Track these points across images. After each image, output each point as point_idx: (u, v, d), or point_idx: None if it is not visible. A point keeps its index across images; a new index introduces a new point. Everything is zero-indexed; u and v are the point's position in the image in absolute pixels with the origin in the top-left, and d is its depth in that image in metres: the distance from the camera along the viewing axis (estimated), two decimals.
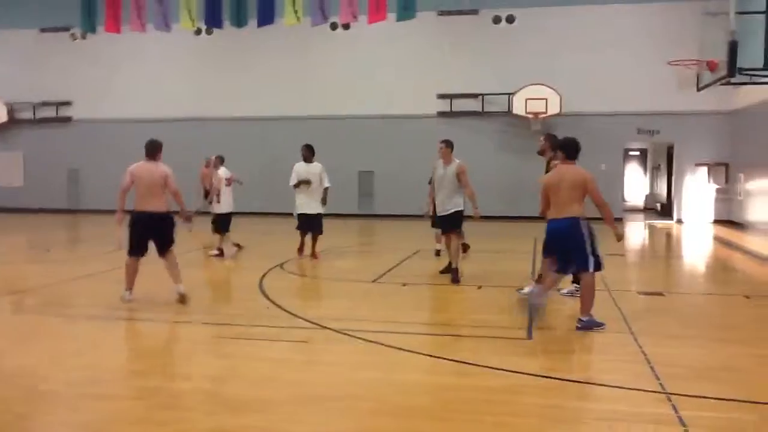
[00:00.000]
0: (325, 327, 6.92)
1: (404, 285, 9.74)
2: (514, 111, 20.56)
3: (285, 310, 7.75)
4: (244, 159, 22.92)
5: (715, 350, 6.52)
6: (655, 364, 5.63)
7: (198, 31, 22.17)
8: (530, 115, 20.33)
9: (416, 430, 4.28)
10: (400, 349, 6.13)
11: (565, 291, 8.68)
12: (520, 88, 20.46)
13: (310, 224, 11.88)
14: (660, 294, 8.97)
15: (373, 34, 20.56)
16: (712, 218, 20.67)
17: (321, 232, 11.95)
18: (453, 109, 21.62)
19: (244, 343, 6.54)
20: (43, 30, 24.55)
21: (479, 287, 9.31)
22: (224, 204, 12.39)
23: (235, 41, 22.42)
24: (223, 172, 12.55)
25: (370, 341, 6.39)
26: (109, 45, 23.26)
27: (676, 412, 4.54)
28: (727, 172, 20.28)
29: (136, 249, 8.06)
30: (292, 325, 7.12)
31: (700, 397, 4.87)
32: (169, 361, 5.91)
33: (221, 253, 12.26)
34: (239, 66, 23.15)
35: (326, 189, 11.82)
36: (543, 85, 20.22)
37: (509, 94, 20.71)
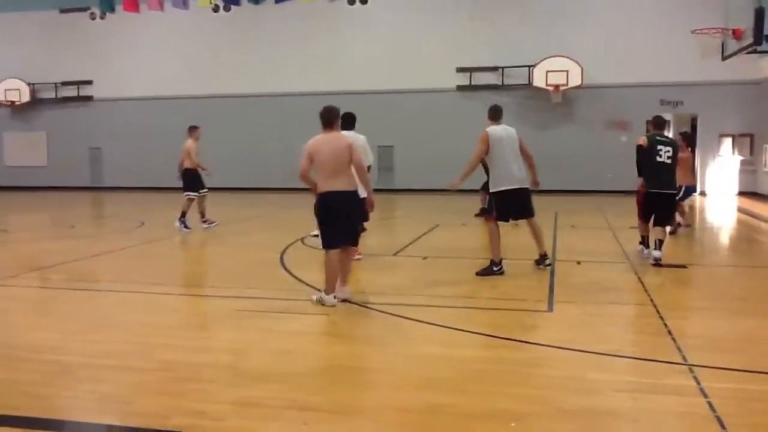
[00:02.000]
0: (346, 300, 6.94)
1: (425, 258, 9.73)
2: (535, 83, 20.33)
3: (306, 284, 7.79)
4: (262, 135, 23.07)
5: (736, 322, 6.45)
6: (677, 336, 5.60)
7: (216, 9, 22.16)
8: (551, 88, 20.10)
9: (438, 403, 4.29)
10: (421, 321, 6.15)
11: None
12: (541, 60, 20.20)
13: None
14: (683, 266, 8.88)
15: (391, 8, 20.44)
16: (737, 190, 20.37)
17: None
18: (472, 83, 21.43)
19: (264, 316, 6.59)
20: (62, 11, 24.67)
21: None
22: None
23: (254, 18, 22.41)
24: None
25: (392, 314, 6.41)
26: (127, 24, 23.40)
27: (698, 383, 4.52)
28: (752, 144, 19.95)
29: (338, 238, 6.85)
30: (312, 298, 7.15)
31: (721, 368, 4.84)
32: (190, 335, 5.98)
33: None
34: (258, 43, 23.11)
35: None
36: (564, 56, 19.95)
37: (529, 66, 20.47)
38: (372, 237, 11.57)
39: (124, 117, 24.30)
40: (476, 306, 6.96)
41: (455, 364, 5.08)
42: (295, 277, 8.19)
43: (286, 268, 8.75)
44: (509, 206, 8.40)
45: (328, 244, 6.80)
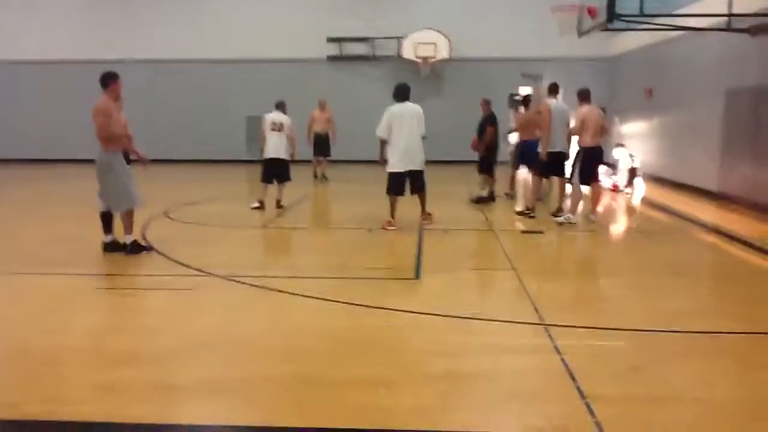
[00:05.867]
0: (211, 273, 6.75)
1: (294, 229, 9.65)
2: (404, 55, 20.52)
3: (169, 258, 7.50)
4: (131, 104, 21.83)
5: (589, 283, 6.89)
6: (534, 299, 5.89)
7: None
8: (419, 60, 20.37)
9: (306, 374, 4.27)
10: (288, 293, 6.09)
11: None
12: (410, 33, 20.39)
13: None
14: (540, 232, 9.33)
15: None
16: None
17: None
18: (343, 53, 21.32)
19: (125, 293, 6.28)
20: None
21: (369, 230, 9.36)
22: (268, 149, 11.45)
23: None
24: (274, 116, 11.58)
25: (257, 286, 6.31)
26: None
27: (553, 341, 4.77)
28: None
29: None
30: (176, 273, 6.90)
31: (574, 326, 5.14)
32: (45, 317, 5.57)
33: (261, 206, 11.24)
34: (117, 7, 21.77)
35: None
36: (432, 29, 20.24)
37: (399, 38, 20.61)
38: (239, 209, 11.32)
39: None
40: (345, 276, 6.96)
41: (322, 334, 5.07)
42: (159, 252, 7.83)
43: (146, 243, 8.33)
44: (550, 165, 10.45)
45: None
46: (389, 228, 9.34)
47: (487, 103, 12.59)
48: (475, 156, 12.65)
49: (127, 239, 7.71)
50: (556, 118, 10.26)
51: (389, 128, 9.36)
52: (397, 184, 9.52)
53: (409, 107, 9.46)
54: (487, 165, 12.35)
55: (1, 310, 5.73)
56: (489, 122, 12.24)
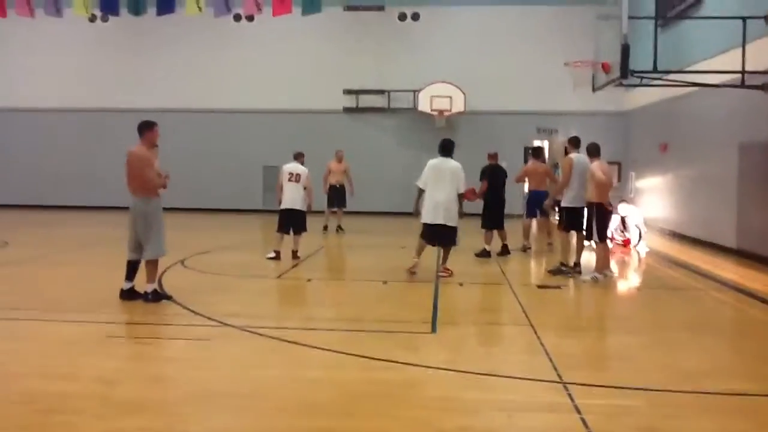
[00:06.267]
0: (226, 324, 6.73)
1: (309, 280, 9.64)
2: (420, 108, 20.77)
3: (185, 307, 7.49)
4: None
5: (606, 340, 6.80)
6: (552, 355, 5.80)
7: (93, 18, 21.22)
8: (435, 113, 20.60)
9: (319, 427, 4.21)
10: (303, 345, 6.04)
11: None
12: (426, 86, 20.68)
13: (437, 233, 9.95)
14: (557, 287, 9.25)
15: (279, 27, 20.31)
16: None
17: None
18: (359, 105, 21.63)
19: (136, 342, 6.26)
20: None
21: (385, 282, 9.33)
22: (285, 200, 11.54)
23: (135, 30, 21.59)
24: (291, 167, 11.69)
25: (273, 338, 6.27)
26: None
27: (572, 400, 4.68)
28: (620, 171, 21.22)
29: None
30: (191, 323, 6.89)
31: (593, 385, 5.04)
32: (55, 363, 5.55)
33: (277, 256, 11.24)
34: (138, 56, 22.28)
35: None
36: (448, 83, 20.52)
37: (415, 91, 20.91)
38: (255, 259, 11.35)
39: None
40: (360, 328, 6.91)
41: (336, 387, 5.01)
42: (176, 302, 7.83)
43: (161, 291, 8.34)
44: (574, 220, 10.25)
45: None
46: (412, 269, 9.72)
47: (491, 156, 12.59)
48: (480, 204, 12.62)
49: (148, 288, 7.73)
50: (578, 171, 10.13)
51: (427, 180, 9.63)
52: (426, 234, 9.78)
53: (448, 163, 9.72)
54: (486, 220, 12.24)
55: (11, 355, 5.72)
56: (484, 175, 12.32)
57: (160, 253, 7.87)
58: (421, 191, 9.73)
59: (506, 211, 12.46)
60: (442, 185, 9.56)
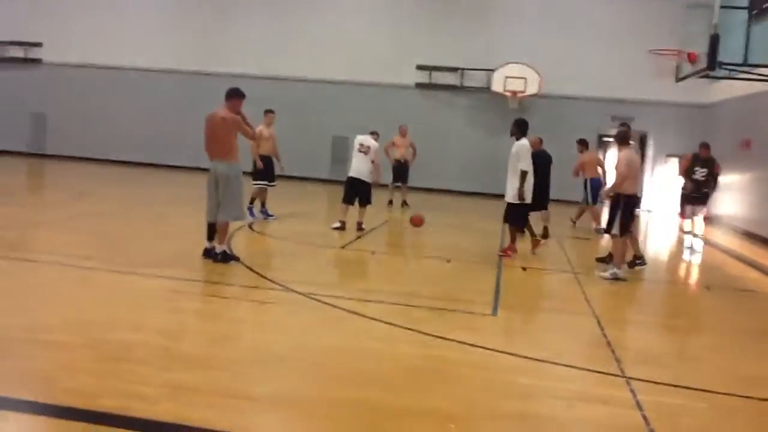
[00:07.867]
0: (290, 289, 6.84)
1: (373, 253, 9.69)
2: (493, 88, 20.47)
3: (252, 270, 7.65)
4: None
5: (671, 338, 6.61)
6: (615, 348, 5.69)
7: None
8: (508, 93, 20.27)
9: (374, 399, 4.25)
10: (364, 316, 6.09)
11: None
12: (501, 66, 20.34)
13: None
14: (623, 279, 9.04)
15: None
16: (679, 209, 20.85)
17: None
18: (432, 81, 21.46)
19: (202, 299, 6.43)
20: None
21: (448, 261, 9.31)
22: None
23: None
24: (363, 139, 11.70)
25: (334, 306, 6.34)
26: None
27: (635, 395, 4.58)
28: None
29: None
30: (257, 285, 7.03)
31: (656, 382, 4.92)
32: (123, 313, 5.76)
33: (342, 226, 11.30)
34: (216, 22, 22.63)
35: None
36: (524, 64, 20.12)
37: (489, 70, 20.59)
38: (320, 228, 11.47)
39: (73, 84, 23.46)
40: (421, 305, 6.89)
41: (393, 360, 5.04)
42: (240, 261, 8.01)
43: (230, 253, 8.53)
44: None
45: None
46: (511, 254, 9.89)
47: (537, 141, 11.75)
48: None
49: (218, 248, 7.92)
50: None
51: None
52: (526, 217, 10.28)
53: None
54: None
55: (82, 302, 5.96)
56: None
57: (239, 217, 8.15)
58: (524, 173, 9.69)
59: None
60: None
